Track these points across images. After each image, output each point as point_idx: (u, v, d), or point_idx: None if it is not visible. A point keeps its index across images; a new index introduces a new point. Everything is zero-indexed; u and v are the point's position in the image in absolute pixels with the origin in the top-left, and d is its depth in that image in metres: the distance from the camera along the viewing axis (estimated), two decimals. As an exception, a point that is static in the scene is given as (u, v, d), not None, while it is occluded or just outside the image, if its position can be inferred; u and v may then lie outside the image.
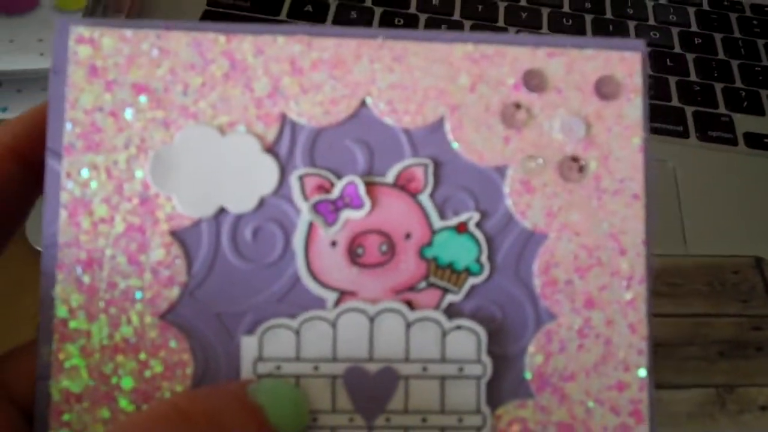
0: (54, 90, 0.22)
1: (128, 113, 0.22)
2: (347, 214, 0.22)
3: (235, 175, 0.22)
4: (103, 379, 0.21)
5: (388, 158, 0.22)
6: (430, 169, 0.22)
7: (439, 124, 0.22)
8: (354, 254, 0.22)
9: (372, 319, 0.21)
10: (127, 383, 0.21)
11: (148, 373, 0.21)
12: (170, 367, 0.21)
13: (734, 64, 0.54)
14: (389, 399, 0.21)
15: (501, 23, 0.55)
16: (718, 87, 0.53)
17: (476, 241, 0.22)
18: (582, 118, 0.22)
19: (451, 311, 0.22)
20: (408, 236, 0.22)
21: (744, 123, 0.51)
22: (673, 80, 0.52)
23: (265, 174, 0.22)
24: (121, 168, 0.21)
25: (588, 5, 0.57)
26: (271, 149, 0.22)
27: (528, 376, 0.22)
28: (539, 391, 0.22)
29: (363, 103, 0.22)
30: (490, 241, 0.22)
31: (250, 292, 0.22)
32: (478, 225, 0.22)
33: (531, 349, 0.22)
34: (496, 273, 0.22)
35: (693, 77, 0.53)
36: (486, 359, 0.21)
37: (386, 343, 0.21)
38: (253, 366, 0.21)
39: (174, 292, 0.21)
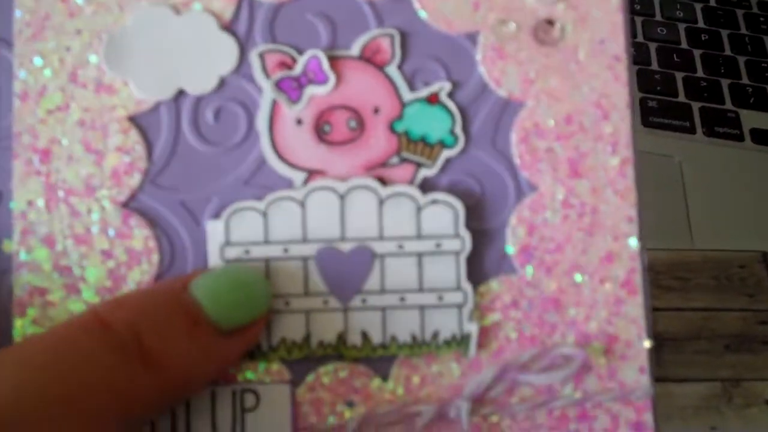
0: (2, -21, 0.21)
1: (80, -2, 0.21)
2: (312, 90, 0.21)
3: (193, 56, 0.21)
4: (66, 271, 0.21)
5: (352, 31, 0.21)
6: (397, 40, 0.21)
7: (405, -8, 0.21)
8: (321, 131, 0.21)
9: (342, 197, 0.21)
10: (91, 274, 0.21)
11: (111, 264, 0.21)
12: (135, 256, 0.21)
13: (741, 60, 0.55)
14: (365, 279, 0.21)
15: None
16: (725, 83, 0.53)
17: (449, 111, 0.21)
18: (555, -22, 0.21)
19: (426, 186, 0.21)
20: (377, 110, 0.21)
21: (750, 119, 0.51)
22: (679, 76, 0.53)
23: (224, 53, 0.21)
24: (74, 54, 0.21)
25: None
26: (228, 27, 0.21)
27: (510, 250, 0.21)
28: (523, 265, 0.21)
29: (323, -25, 0.21)
30: (463, 111, 0.21)
31: (214, 175, 0.21)
32: (451, 95, 0.21)
33: (512, 221, 0.21)
34: (471, 145, 0.21)
35: (700, 73, 0.54)
36: (464, 233, 0.21)
37: (359, 222, 0.21)
38: (221, 251, 0.21)
39: (135, 179, 0.21)
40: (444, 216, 0.21)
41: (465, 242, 0.21)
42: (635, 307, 0.21)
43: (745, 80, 0.53)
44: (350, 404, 0.21)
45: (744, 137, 0.50)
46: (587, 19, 0.21)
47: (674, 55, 0.54)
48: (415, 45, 0.21)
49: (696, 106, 0.51)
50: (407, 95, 0.21)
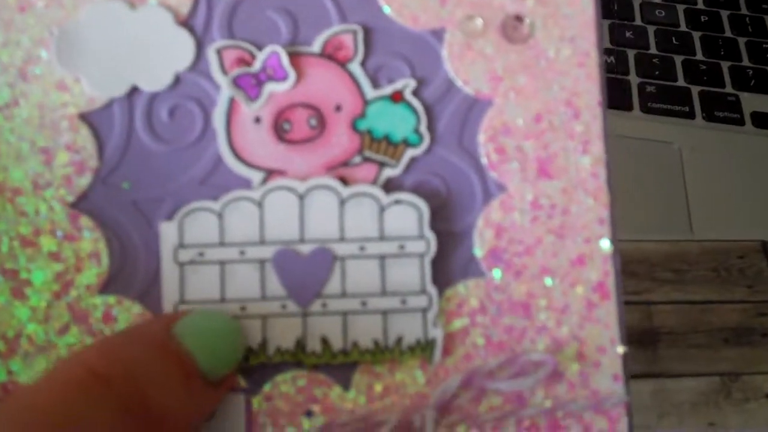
0: (-49, -27, 0.24)
1: (31, -7, 0.24)
2: (271, 87, 0.24)
3: (148, 52, 0.24)
4: (12, 275, 0.23)
5: (313, 27, 0.24)
6: (360, 36, 0.24)
7: (368, -13, 0.25)
8: (280, 130, 0.24)
9: (302, 197, 0.24)
10: (38, 278, 0.23)
11: (59, 267, 0.23)
12: (83, 259, 0.23)
13: (741, 41, 0.61)
14: (324, 282, 0.23)
15: None
16: (725, 65, 0.59)
17: (413, 110, 0.24)
18: (523, -27, 0.25)
19: (390, 186, 0.24)
20: (338, 108, 0.24)
21: (751, 102, 0.57)
22: (678, 59, 0.59)
23: (180, 49, 0.24)
24: (24, 49, 0.24)
25: None
26: (185, 22, 0.24)
27: (478, 252, 0.24)
28: (491, 268, 0.24)
29: (284, -30, 0.25)
30: (429, 109, 0.24)
31: (169, 175, 0.24)
32: (416, 93, 0.24)
33: (480, 223, 0.24)
34: (437, 144, 0.24)
35: (699, 56, 0.60)
36: (429, 234, 0.23)
37: (318, 223, 0.24)
38: (174, 254, 0.23)
39: (85, 179, 0.24)
40: (408, 217, 0.24)
41: (430, 244, 0.23)
42: (608, 312, 0.24)
43: (745, 62, 0.59)
44: (309, 414, 0.23)
45: (745, 121, 0.56)
46: (557, 16, 0.25)
47: (673, 38, 0.60)
48: (378, 41, 0.24)
49: (695, 90, 0.57)
50: (370, 93, 0.24)
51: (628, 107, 0.56)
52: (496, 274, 0.24)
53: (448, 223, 0.24)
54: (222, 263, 0.23)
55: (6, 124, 0.24)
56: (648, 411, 0.45)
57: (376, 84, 0.24)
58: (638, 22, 0.61)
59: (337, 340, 0.23)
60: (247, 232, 0.24)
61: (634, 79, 0.57)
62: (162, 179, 0.24)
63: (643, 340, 0.47)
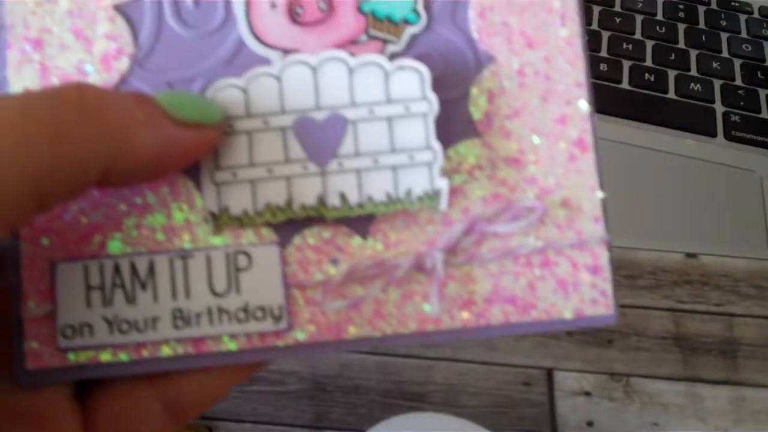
0: None
1: None
2: (284, -23, 0.36)
3: (172, -52, 0.36)
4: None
5: None
6: (361, -71, 0.36)
7: None
8: (294, 14, 0.35)
9: (315, 69, 0.35)
10: (86, 151, 0.35)
11: (105, 140, 0.35)
12: (126, 133, 0.35)
13: None
14: (339, 144, 0.35)
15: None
16: None
17: (411, -8, 0.36)
18: None
19: (394, 60, 0.36)
20: (344, -8, 0.36)
21: None
22: (763, 93, 0.80)
23: (201, -55, 0.36)
24: (60, -51, 0.35)
25: (681, 15, 0.90)
26: None
27: (474, 116, 0.36)
28: (485, 129, 0.36)
29: None
30: (425, -9, 0.36)
31: (197, 58, 0.34)
32: (412, -23, 0.36)
33: (474, 91, 0.36)
34: (433, 22, 0.35)
35: None
36: (431, 95, 0.33)
37: (331, 91, 0.34)
38: (206, 125, 0.35)
39: (124, 63, 0.35)
40: (411, 81, 0.34)
41: (432, 104, 0.33)
42: (588, 163, 0.36)
43: (829, 95, 0.76)
44: (334, 262, 0.35)
45: (825, 153, 0.72)
46: None
47: (758, 72, 0.82)
48: (377, -67, 0.36)
49: (779, 122, 0.74)
50: (372, -22, 0.36)
51: (712, 134, 0.76)
52: (490, 134, 0.36)
53: (446, 92, 0.36)
54: (248, 133, 0.34)
55: (48, 17, 0.35)
56: (725, 416, 0.60)
57: (376, -30, 0.36)
58: (725, 54, 0.83)
59: (353, 195, 0.34)
60: (269, 103, 0.35)
61: (719, 107, 0.78)
62: (192, 62, 0.34)
63: (724, 349, 0.63)
